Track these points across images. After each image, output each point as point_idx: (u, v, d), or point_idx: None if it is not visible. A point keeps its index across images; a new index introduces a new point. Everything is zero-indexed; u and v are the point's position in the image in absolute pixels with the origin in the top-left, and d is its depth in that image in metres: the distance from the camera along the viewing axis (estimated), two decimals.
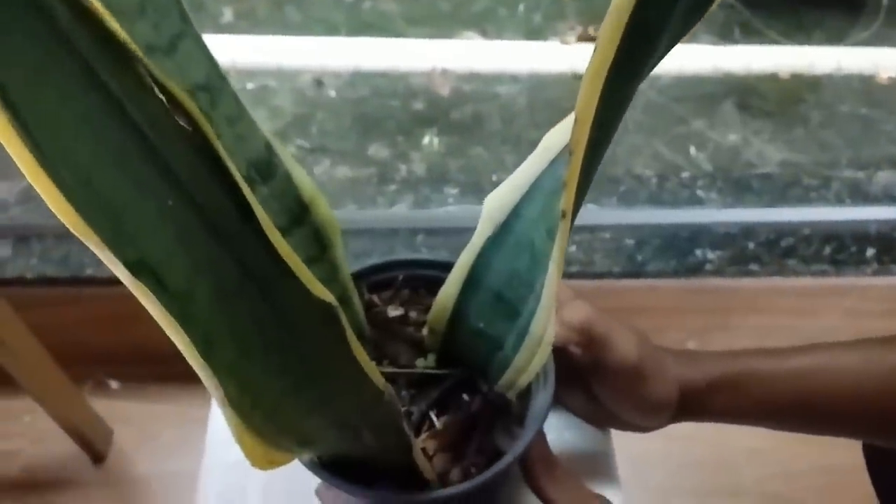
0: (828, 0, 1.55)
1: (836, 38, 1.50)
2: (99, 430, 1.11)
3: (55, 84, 0.21)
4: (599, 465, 0.54)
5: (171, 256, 0.24)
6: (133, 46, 0.22)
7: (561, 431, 0.54)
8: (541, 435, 0.43)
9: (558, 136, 0.30)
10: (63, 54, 0.21)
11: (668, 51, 0.21)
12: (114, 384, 1.19)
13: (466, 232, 1.09)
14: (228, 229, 0.25)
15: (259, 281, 0.27)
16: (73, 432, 1.06)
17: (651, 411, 0.45)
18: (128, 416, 1.15)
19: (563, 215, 0.23)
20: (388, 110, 1.32)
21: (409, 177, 1.17)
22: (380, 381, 0.31)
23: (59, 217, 0.21)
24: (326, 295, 0.27)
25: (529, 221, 0.33)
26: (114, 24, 0.22)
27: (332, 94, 1.35)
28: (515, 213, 0.34)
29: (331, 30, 1.47)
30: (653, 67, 0.22)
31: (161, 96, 0.23)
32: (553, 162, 0.30)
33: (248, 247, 0.26)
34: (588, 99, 0.19)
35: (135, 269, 0.23)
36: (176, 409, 1.14)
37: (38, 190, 0.21)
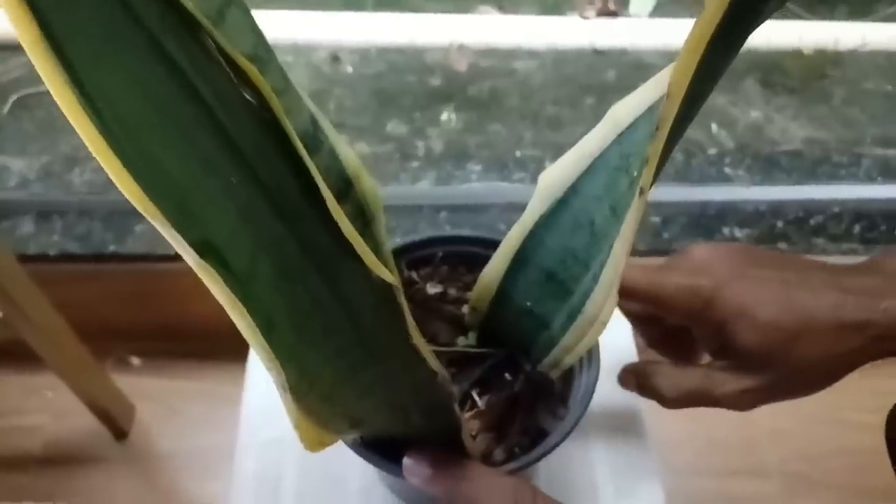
0: None
1: (860, 14, 1.47)
2: (121, 407, 1.12)
3: (120, 57, 0.20)
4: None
5: (234, 235, 0.24)
6: (199, 16, 0.21)
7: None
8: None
9: (627, 109, 0.29)
10: (128, 25, 0.20)
11: (769, 17, 0.20)
12: (136, 361, 1.19)
13: (490, 209, 1.08)
14: (290, 207, 0.24)
15: (319, 260, 0.26)
16: (96, 408, 1.06)
17: (806, 388, 0.40)
18: (150, 392, 1.15)
19: (641, 192, 0.22)
20: (405, 86, 1.31)
21: (430, 153, 1.16)
22: (434, 362, 0.31)
23: (126, 196, 0.20)
24: (387, 275, 0.26)
25: (590, 198, 0.32)
26: None
27: (349, 69, 1.34)
28: (574, 189, 0.33)
29: (347, 5, 1.46)
30: (748, 36, 0.21)
31: (228, 69, 0.22)
32: (622, 136, 0.29)
33: (310, 225, 0.25)
34: (684, 71, 0.18)
35: (200, 249, 0.22)
36: (198, 385, 1.14)
37: (107, 169, 0.20)
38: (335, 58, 1.34)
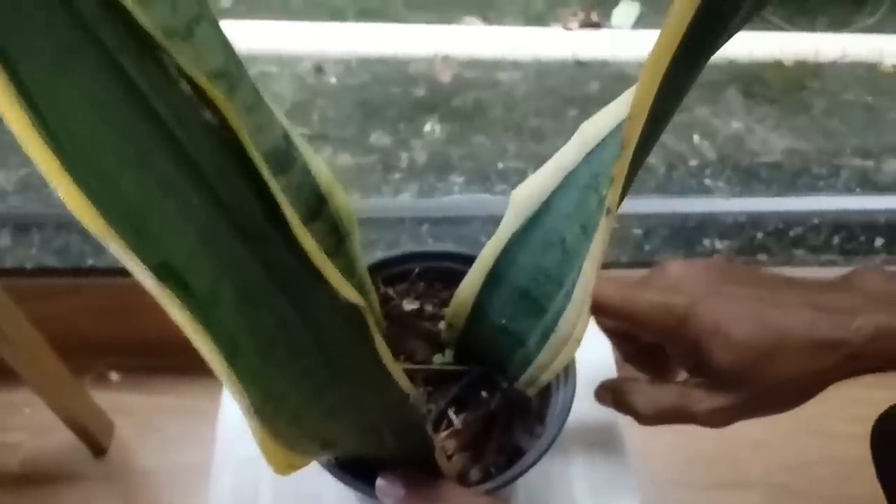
0: None
1: (840, 25, 1.48)
2: (100, 423, 1.10)
3: (77, 78, 0.20)
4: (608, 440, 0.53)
5: (195, 258, 0.23)
6: (158, 35, 0.21)
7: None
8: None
9: (596, 126, 0.29)
10: (85, 44, 0.20)
11: (732, 35, 0.20)
12: (115, 376, 1.17)
13: (472, 221, 1.07)
14: (253, 228, 0.24)
15: (283, 282, 0.25)
16: (74, 425, 1.05)
17: (780, 406, 0.39)
18: (129, 408, 1.14)
19: (608, 212, 0.22)
20: (389, 97, 1.31)
21: (413, 165, 1.16)
22: (405, 383, 0.30)
23: (83, 222, 0.20)
24: (354, 296, 0.26)
25: (562, 216, 0.32)
26: (138, 10, 0.20)
27: (333, 80, 1.34)
28: (546, 206, 0.32)
29: (331, 15, 1.46)
30: (710, 57, 0.21)
31: (186, 88, 0.22)
32: (591, 154, 0.29)
33: (273, 246, 0.24)
34: (646, 91, 0.18)
35: (159, 272, 0.22)
36: (178, 401, 1.13)
37: (61, 194, 0.20)
38: (318, 68, 1.34)
